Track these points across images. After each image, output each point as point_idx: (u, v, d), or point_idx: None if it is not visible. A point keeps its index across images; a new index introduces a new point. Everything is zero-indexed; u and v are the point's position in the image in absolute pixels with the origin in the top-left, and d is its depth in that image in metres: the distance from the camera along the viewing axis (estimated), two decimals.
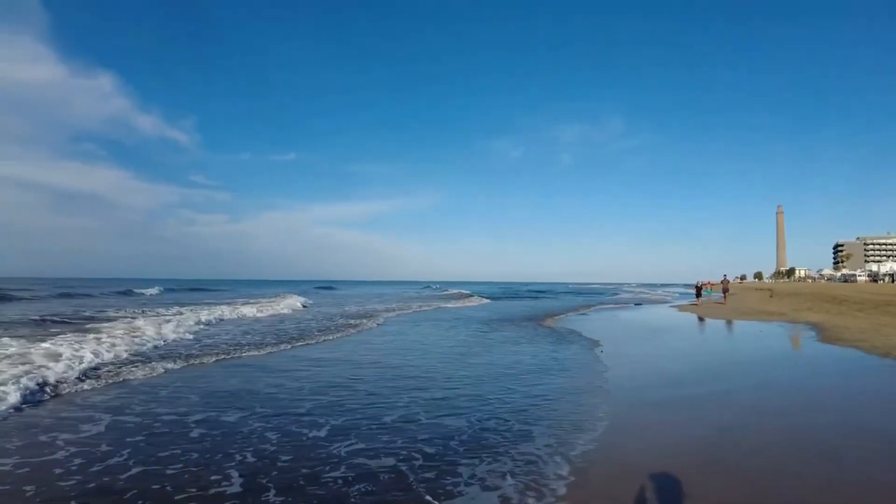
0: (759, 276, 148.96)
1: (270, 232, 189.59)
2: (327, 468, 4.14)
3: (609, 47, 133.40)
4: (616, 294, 60.26)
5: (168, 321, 14.52)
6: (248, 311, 20.78)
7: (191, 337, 12.59)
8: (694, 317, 22.13)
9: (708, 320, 20.11)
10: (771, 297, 34.13)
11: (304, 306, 26.19)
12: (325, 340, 12.66)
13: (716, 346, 13.65)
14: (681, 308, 28.93)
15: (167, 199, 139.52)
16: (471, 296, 44.27)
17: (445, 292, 54.09)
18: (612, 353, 10.78)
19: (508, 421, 5.58)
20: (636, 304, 33.97)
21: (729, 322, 19.14)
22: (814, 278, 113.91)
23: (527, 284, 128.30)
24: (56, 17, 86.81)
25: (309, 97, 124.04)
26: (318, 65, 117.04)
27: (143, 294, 38.72)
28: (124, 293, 39.39)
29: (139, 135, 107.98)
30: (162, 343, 11.33)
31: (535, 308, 28.93)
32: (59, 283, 62.70)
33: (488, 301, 37.73)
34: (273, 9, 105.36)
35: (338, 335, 13.83)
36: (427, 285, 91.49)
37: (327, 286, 74.15)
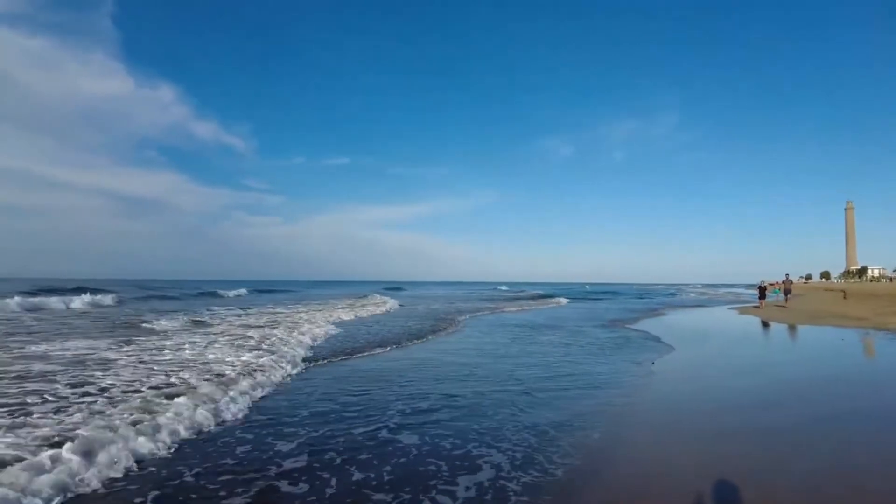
0: (826, 275, 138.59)
1: (325, 234, 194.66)
2: (240, 489, 3.85)
3: (662, 43, 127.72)
4: (678, 295, 58.08)
5: (314, 323, 15.92)
6: (360, 311, 22.40)
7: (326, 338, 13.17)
8: (757, 321, 20.57)
9: (774, 325, 18.60)
10: (845, 298, 31.38)
11: (398, 306, 27.78)
12: (418, 342, 12.98)
13: (789, 356, 12.40)
14: (742, 311, 27.11)
15: (222, 202, 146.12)
16: (547, 297, 44.42)
17: (520, 293, 53.92)
18: (666, 366, 9.97)
19: (465, 444, 4.92)
20: (696, 307, 32.16)
21: (799, 327, 17.61)
22: (890, 278, 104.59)
23: (587, 285, 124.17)
24: (125, 34, 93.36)
25: (360, 101, 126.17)
26: (369, 69, 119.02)
27: (228, 296, 38.54)
28: (210, 294, 39.01)
29: (197, 141, 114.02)
30: (318, 343, 12.04)
31: (598, 311, 27.89)
32: (136, 284, 62.31)
33: (567, 302, 37.64)
34: (323, 13, 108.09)
35: (431, 336, 14.30)
36: (494, 286, 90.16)
37: (395, 287, 73.24)
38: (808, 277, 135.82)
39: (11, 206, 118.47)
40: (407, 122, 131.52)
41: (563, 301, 38.56)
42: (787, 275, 31.80)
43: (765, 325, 18.90)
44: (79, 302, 23.08)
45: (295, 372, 8.44)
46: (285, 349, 10.11)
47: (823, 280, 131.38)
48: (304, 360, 9.49)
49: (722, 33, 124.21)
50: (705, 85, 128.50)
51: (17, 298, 21.00)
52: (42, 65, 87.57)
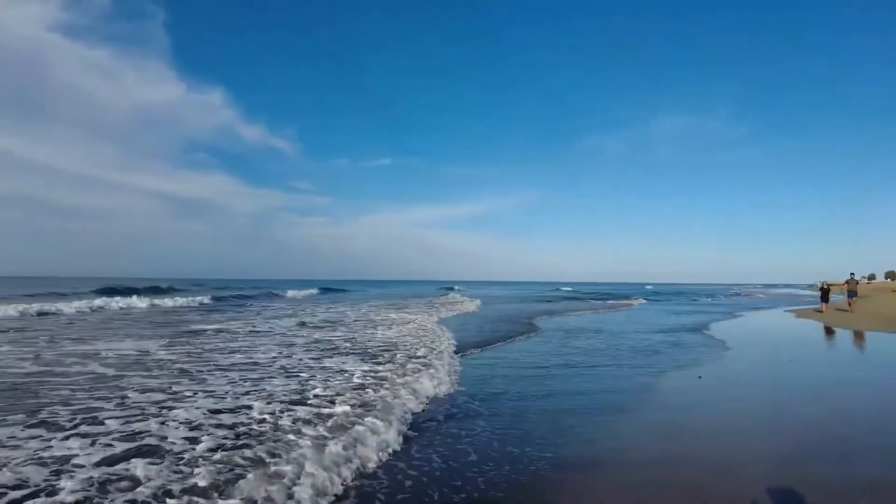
0: (892, 275, 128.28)
1: (374, 234, 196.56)
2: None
3: (713, 32, 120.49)
4: (738, 296, 54.99)
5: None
6: (453, 309, 24.09)
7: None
8: (820, 326, 18.18)
9: (841, 331, 16.25)
10: None
11: (481, 305, 28.80)
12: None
13: (870, 374, 10.15)
14: (799, 314, 24.43)
15: (272, 203, 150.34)
16: (622, 297, 42.33)
17: (589, 294, 50.73)
18: (712, 383, 8.33)
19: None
20: (758, 308, 29.46)
21: (873, 335, 15.23)
22: None
23: (648, 285, 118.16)
24: (176, 41, 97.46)
25: (404, 102, 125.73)
26: (412, 70, 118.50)
27: (300, 296, 37.59)
28: (277, 295, 37.13)
29: (245, 144, 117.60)
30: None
31: (675, 314, 25.89)
32: (196, 283, 57.89)
33: (642, 303, 36.23)
34: (365, 14, 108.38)
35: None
36: (555, 286, 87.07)
37: (449, 287, 70.09)
38: (872, 277, 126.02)
39: (79, 208, 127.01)
40: (451, 122, 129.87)
41: (636, 303, 36.16)
42: (852, 274, 28.53)
43: (829, 331, 16.55)
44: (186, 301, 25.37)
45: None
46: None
47: (889, 280, 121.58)
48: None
49: (778, 18, 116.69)
50: (760, 74, 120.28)
51: (133, 297, 23.76)
52: (102, 74, 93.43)
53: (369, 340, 11.55)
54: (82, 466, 3.81)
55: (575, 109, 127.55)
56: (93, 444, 4.32)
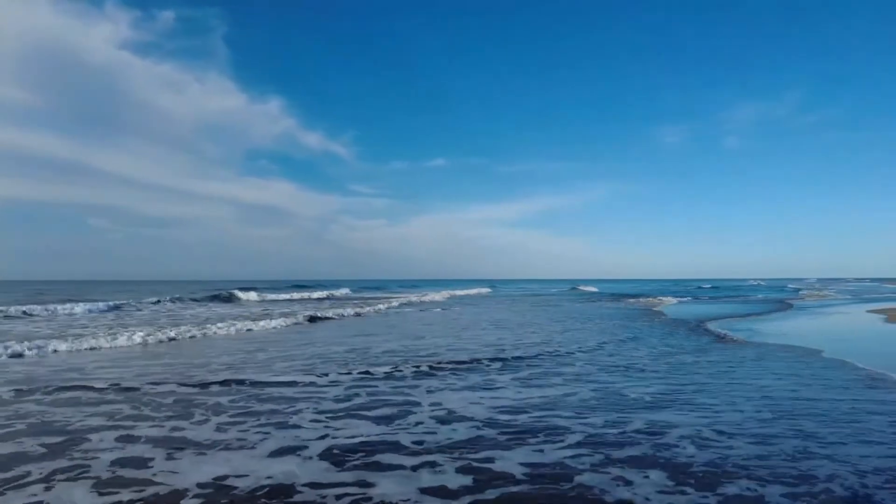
0: None
1: (428, 234, 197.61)
2: None
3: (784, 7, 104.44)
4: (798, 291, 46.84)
5: None
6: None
7: None
8: None
9: None
10: None
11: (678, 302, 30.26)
12: None
13: None
14: (891, 315, 18.76)
15: (332, 207, 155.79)
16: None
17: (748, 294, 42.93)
18: None
19: None
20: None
21: None
22: None
23: (760, 281, 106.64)
24: (236, 53, 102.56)
25: (459, 100, 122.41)
26: (467, 68, 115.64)
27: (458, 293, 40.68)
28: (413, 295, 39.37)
29: (305, 150, 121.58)
30: None
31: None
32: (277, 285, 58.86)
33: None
34: (417, 16, 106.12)
35: None
36: (695, 284, 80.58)
37: (574, 285, 69.39)
38: None
39: (156, 216, 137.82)
40: (506, 119, 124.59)
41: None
42: None
43: None
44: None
45: None
46: None
47: None
48: None
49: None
50: (838, 54, 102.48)
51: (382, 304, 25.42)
52: (169, 88, 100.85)
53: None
54: None
55: (639, 102, 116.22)
56: None
